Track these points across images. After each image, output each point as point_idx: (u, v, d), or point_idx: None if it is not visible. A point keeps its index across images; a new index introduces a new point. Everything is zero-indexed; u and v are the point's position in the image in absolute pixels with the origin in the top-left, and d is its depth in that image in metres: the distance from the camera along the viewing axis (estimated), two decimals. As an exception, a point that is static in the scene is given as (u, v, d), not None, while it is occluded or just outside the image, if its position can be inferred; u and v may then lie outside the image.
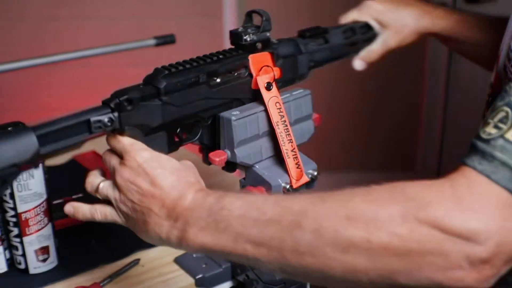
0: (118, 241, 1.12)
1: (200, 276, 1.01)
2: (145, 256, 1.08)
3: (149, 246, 1.10)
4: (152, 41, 1.41)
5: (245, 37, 0.87)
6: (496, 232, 0.55)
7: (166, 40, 1.39)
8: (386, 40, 1.11)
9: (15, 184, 0.98)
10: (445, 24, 1.10)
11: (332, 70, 2.72)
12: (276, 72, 0.88)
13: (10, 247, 1.04)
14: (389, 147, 3.05)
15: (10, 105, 2.71)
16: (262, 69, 0.88)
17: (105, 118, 0.73)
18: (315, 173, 0.91)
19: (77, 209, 0.78)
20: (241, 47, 0.88)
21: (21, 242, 1.02)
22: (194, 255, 1.06)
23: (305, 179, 0.89)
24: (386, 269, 0.57)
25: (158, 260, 1.07)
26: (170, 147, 0.82)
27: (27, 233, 1.02)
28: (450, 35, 1.10)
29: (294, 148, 0.87)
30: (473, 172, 0.58)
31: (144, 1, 2.71)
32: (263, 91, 0.86)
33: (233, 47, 0.89)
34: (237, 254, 0.65)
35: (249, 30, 0.88)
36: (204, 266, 1.03)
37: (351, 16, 1.12)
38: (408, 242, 0.56)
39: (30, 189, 1.00)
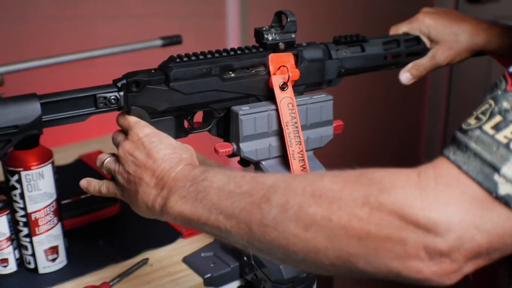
0: (126, 241, 1.13)
1: (208, 275, 1.02)
2: (154, 255, 1.09)
3: (157, 245, 1.11)
4: (159, 42, 1.41)
5: (266, 36, 0.88)
6: (458, 225, 0.53)
7: (173, 40, 1.40)
8: (436, 56, 1.07)
9: (25, 184, 0.99)
10: (501, 42, 1.06)
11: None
12: (294, 73, 0.89)
13: (19, 247, 1.05)
14: (392, 155, 3.06)
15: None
16: (280, 69, 0.88)
17: (111, 96, 0.78)
18: None
19: (90, 182, 0.83)
20: (263, 45, 0.89)
21: (31, 242, 1.03)
22: (203, 254, 1.07)
23: None
24: (344, 251, 0.56)
25: (166, 259, 1.08)
26: (177, 133, 0.85)
27: (37, 233, 1.02)
28: (505, 53, 1.06)
29: (301, 151, 0.88)
30: (445, 161, 0.56)
31: (148, 1, 2.72)
32: (277, 91, 0.87)
33: (257, 44, 0.91)
34: (211, 225, 0.66)
35: (273, 30, 0.88)
36: (212, 265, 1.04)
37: (402, 29, 1.10)
38: (367, 225, 0.55)
39: (40, 189, 1.00)
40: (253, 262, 1.00)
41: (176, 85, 0.81)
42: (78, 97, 0.77)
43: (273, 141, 0.89)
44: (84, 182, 0.84)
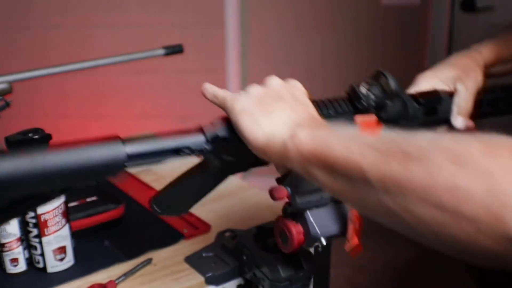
0: (131, 242, 1.18)
1: (209, 274, 1.07)
2: (157, 255, 1.13)
3: (161, 246, 1.16)
4: (161, 51, 1.46)
5: (362, 101, 0.86)
6: None
7: (175, 50, 1.45)
8: (467, 86, 1.02)
9: (35, 187, 1.04)
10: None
11: (337, 78, 2.77)
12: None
13: (29, 247, 1.10)
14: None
15: (22, 112, 2.78)
16: None
17: (196, 148, 0.75)
18: None
19: (211, 87, 0.82)
20: (354, 104, 0.87)
21: (40, 242, 1.08)
22: (204, 255, 1.12)
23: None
24: (500, 201, 0.46)
25: (169, 259, 1.13)
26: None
27: (46, 233, 1.07)
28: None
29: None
30: None
31: (148, 10, 2.77)
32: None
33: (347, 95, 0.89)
34: (342, 155, 0.59)
35: (372, 91, 0.87)
36: (213, 265, 1.09)
37: (421, 88, 1.03)
38: None
39: (49, 192, 1.05)
40: (252, 262, 1.04)
41: None
42: (164, 150, 0.73)
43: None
44: (207, 84, 0.83)
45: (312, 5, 2.88)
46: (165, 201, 0.93)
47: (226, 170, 0.85)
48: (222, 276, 1.08)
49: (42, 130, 1.08)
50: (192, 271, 1.09)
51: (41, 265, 1.10)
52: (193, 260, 1.11)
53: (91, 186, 1.40)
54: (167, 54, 1.46)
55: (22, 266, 1.10)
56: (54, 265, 1.10)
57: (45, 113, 2.86)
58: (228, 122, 0.77)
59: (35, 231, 1.07)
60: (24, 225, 1.08)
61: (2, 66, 2.71)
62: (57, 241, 1.09)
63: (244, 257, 1.06)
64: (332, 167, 0.60)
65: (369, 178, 0.55)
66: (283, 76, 0.81)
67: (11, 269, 1.09)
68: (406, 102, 0.91)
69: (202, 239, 1.18)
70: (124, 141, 0.68)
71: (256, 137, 0.72)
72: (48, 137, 1.07)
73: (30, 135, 1.06)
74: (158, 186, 1.40)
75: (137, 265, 1.09)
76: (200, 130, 0.77)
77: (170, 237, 1.19)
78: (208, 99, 0.81)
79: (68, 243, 1.10)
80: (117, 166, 0.66)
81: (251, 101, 0.75)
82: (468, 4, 2.71)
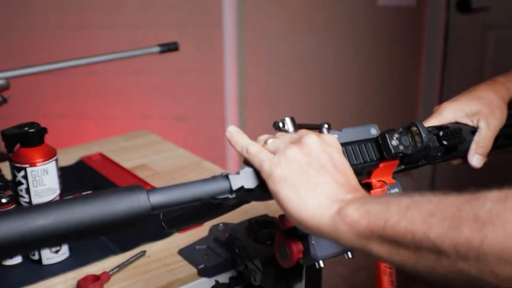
0: (125, 235, 1.19)
1: (202, 266, 1.09)
2: (151, 248, 1.15)
3: (154, 239, 1.17)
4: (157, 49, 1.48)
5: (391, 152, 0.85)
6: None
7: (170, 47, 1.47)
8: (490, 123, 1.00)
9: (31, 179, 1.06)
10: None
11: (334, 78, 2.77)
12: (390, 182, 0.88)
13: (25, 240, 1.11)
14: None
15: (20, 112, 2.79)
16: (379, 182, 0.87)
17: (220, 197, 0.73)
18: None
19: (239, 132, 0.78)
20: (381, 151, 0.86)
21: (36, 235, 1.09)
22: (197, 247, 1.13)
23: None
24: None
25: (163, 252, 1.14)
26: None
27: (41, 226, 1.09)
28: None
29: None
30: None
31: (147, 11, 2.79)
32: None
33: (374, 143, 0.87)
34: (397, 229, 0.58)
35: (403, 143, 0.85)
36: (206, 257, 1.11)
37: (430, 123, 1.01)
38: None
39: (45, 184, 1.07)
40: (244, 254, 1.06)
41: None
42: (187, 201, 0.70)
43: None
44: (232, 128, 0.78)
45: (309, 5, 2.90)
46: (174, 220, 0.94)
47: (244, 203, 0.84)
48: (215, 268, 1.09)
49: (38, 124, 1.10)
50: (185, 263, 1.11)
51: (36, 257, 1.11)
52: (186, 253, 1.13)
53: (86, 181, 1.43)
54: (162, 52, 1.48)
55: (18, 258, 1.11)
56: (49, 257, 1.11)
57: (43, 113, 2.88)
58: (256, 174, 0.74)
59: (30, 224, 1.09)
60: (19, 218, 1.10)
61: (0, 64, 2.73)
62: (52, 233, 1.10)
63: (236, 249, 1.07)
64: (393, 240, 0.59)
65: (439, 247, 0.55)
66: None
67: (7, 261, 1.10)
68: (431, 147, 0.91)
69: (195, 232, 1.20)
70: (148, 191, 0.65)
71: (301, 214, 0.67)
72: (43, 130, 1.09)
73: (25, 129, 1.08)
74: (154, 181, 1.42)
75: (131, 257, 1.11)
76: (226, 177, 0.73)
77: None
78: (236, 150, 0.77)
79: (63, 235, 1.12)
80: (140, 218, 0.63)
81: (292, 170, 0.70)
82: (463, 4, 2.72)
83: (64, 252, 1.13)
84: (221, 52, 2.87)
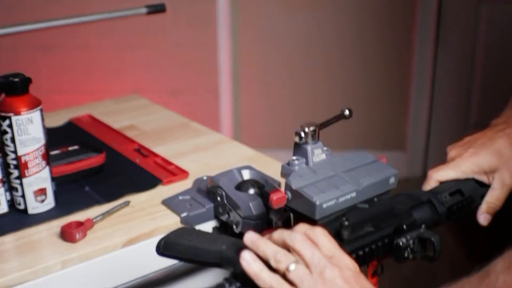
0: (110, 187, 1.21)
1: (184, 214, 1.10)
2: (135, 199, 1.17)
3: (139, 190, 1.19)
4: (144, 10, 1.49)
5: (403, 259, 0.83)
6: None
7: (157, 8, 1.48)
8: (505, 181, 1.00)
9: (15, 128, 1.07)
10: None
11: (327, 55, 2.78)
12: None
13: (10, 189, 1.13)
14: (380, 129, 3.14)
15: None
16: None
17: None
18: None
19: (255, 259, 0.73)
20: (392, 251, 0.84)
21: (21, 184, 1.11)
22: (180, 197, 1.15)
23: None
24: None
25: (147, 202, 1.16)
26: None
27: (26, 175, 1.10)
28: None
29: None
30: None
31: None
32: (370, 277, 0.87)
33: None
34: None
35: (414, 249, 0.83)
36: (188, 206, 1.12)
37: (448, 175, 1.01)
38: None
39: (29, 133, 1.09)
40: (226, 202, 1.08)
41: None
42: None
43: None
44: (247, 255, 0.73)
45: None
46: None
47: None
48: (197, 216, 1.11)
49: (22, 74, 1.11)
50: (168, 212, 1.12)
51: (22, 207, 1.13)
52: (170, 202, 1.14)
53: (72, 136, 1.44)
54: (149, 13, 1.48)
55: (3, 208, 1.13)
56: (34, 206, 1.13)
57: (39, 88, 2.88)
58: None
59: (16, 173, 1.11)
60: (5, 167, 1.11)
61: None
62: (38, 182, 1.12)
63: (218, 198, 1.09)
64: None
65: None
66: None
67: (-8, 210, 1.12)
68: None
69: (180, 185, 1.22)
70: None
71: None
72: (28, 79, 1.11)
73: (10, 78, 1.10)
74: (141, 140, 1.43)
75: (115, 206, 1.13)
76: None
77: (148, 182, 1.22)
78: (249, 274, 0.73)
79: (48, 185, 1.13)
80: None
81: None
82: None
83: (49, 202, 1.14)
84: (215, 27, 2.88)
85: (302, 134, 0.90)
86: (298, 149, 0.92)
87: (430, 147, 3.13)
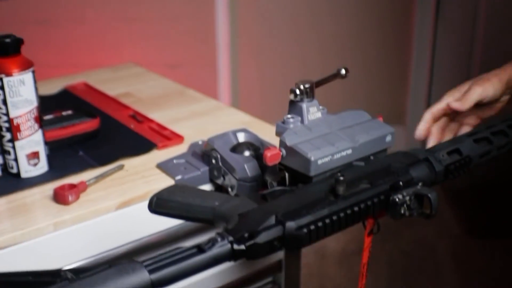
0: (104, 151, 1.20)
1: (179, 177, 1.09)
2: (130, 163, 1.15)
3: (133, 154, 1.18)
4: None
5: (399, 216, 0.79)
6: None
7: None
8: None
9: (7, 90, 1.06)
10: None
11: (327, 25, 2.75)
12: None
13: (3, 153, 1.12)
14: (380, 103, 3.12)
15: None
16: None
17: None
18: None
19: None
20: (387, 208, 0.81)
21: (13, 147, 1.10)
22: (175, 161, 1.14)
23: None
24: None
25: (141, 166, 1.15)
26: None
27: (19, 137, 1.09)
28: None
29: None
30: None
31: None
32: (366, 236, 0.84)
33: None
34: None
35: (411, 205, 0.79)
36: (183, 169, 1.11)
37: (476, 93, 1.03)
38: None
39: (21, 95, 1.07)
40: (221, 165, 1.06)
41: None
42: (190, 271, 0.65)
43: None
44: None
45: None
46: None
47: None
48: (192, 179, 1.09)
49: (14, 35, 1.10)
50: (163, 175, 1.11)
51: (14, 170, 1.11)
52: (165, 165, 1.13)
53: (67, 103, 1.42)
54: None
55: (-4, 172, 1.12)
56: (27, 170, 1.11)
57: (36, 63, 2.87)
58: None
59: (8, 136, 1.09)
60: (-3, 130, 1.10)
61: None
62: (30, 145, 1.10)
63: (213, 160, 1.08)
64: None
65: None
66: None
67: (-15, 174, 1.11)
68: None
69: (175, 149, 1.20)
70: (150, 271, 0.61)
71: None
72: (20, 40, 1.09)
73: (1, 39, 1.08)
74: (136, 107, 1.42)
75: (109, 170, 1.11)
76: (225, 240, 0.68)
77: (143, 146, 1.21)
78: None
79: (41, 148, 1.12)
80: None
81: None
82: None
83: (42, 165, 1.13)
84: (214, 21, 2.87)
85: (297, 92, 0.89)
86: (293, 107, 0.91)
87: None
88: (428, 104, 3.09)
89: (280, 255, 1.22)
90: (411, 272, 2.47)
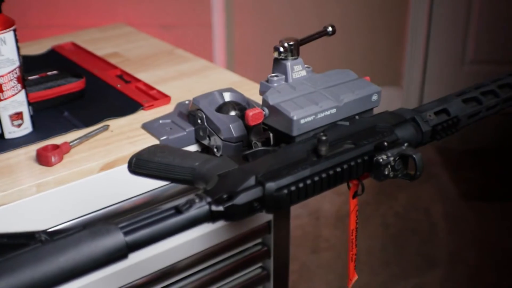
0: (90, 112, 1.18)
1: (164, 137, 1.07)
2: (115, 123, 1.14)
3: (119, 115, 1.16)
4: None
5: (383, 177, 0.78)
6: None
7: None
8: None
9: (-13, 49, 1.04)
10: None
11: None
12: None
13: (-14, 114, 1.10)
14: (376, 64, 3.09)
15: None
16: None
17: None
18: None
19: None
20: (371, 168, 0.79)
21: (-4, 108, 1.08)
22: (161, 121, 1.12)
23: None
24: None
25: (126, 126, 1.13)
26: None
27: (1, 98, 1.07)
28: None
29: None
30: None
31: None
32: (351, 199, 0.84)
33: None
34: None
35: (395, 166, 0.77)
36: (169, 129, 1.09)
37: None
38: None
39: (3, 55, 1.05)
40: (206, 125, 1.04)
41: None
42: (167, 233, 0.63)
43: None
44: None
45: None
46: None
47: None
48: (177, 140, 1.08)
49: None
50: (148, 136, 1.10)
51: (-2, 131, 1.10)
52: (150, 126, 1.11)
53: (53, 63, 1.40)
54: None
55: (-21, 132, 1.10)
56: (11, 131, 1.10)
57: (27, 23, 2.82)
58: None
59: (-10, 96, 1.07)
60: (-21, 90, 1.08)
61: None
62: (14, 106, 1.08)
63: (199, 120, 1.06)
64: None
65: None
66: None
67: (-32, 135, 1.09)
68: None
69: (162, 110, 1.18)
70: (125, 233, 0.59)
71: None
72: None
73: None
74: (124, 66, 1.39)
75: (93, 130, 1.10)
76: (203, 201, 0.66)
77: (129, 107, 1.19)
78: None
79: (25, 109, 1.10)
80: (115, 259, 0.59)
81: None
82: None
83: (26, 126, 1.11)
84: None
85: (281, 49, 0.87)
86: (278, 65, 0.89)
87: (426, 83, 3.09)
88: (425, 66, 3.06)
89: (269, 216, 1.21)
90: (405, 234, 2.47)
